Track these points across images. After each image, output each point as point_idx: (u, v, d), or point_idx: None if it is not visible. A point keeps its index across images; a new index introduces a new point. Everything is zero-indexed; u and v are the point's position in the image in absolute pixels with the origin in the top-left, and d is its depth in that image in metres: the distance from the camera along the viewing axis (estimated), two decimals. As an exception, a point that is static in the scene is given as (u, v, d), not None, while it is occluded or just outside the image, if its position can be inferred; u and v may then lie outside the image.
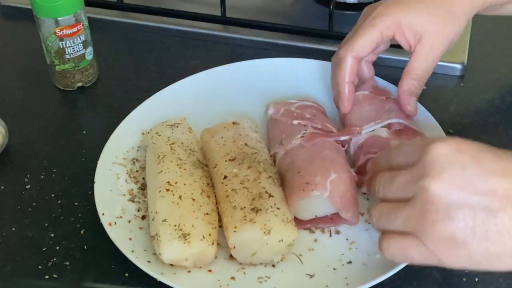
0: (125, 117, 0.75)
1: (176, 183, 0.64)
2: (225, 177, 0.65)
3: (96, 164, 0.69)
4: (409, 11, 0.67)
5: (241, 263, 0.62)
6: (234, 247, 0.61)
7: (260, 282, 0.61)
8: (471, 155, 0.50)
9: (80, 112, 0.84)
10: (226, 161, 0.67)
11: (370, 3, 0.93)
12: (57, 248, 0.65)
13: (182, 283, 0.59)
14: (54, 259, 0.64)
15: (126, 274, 0.62)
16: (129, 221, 0.65)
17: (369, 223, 0.65)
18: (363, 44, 0.69)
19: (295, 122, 0.72)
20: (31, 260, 0.64)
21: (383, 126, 0.70)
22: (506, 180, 0.49)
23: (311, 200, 0.63)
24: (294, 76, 0.81)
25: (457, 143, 0.51)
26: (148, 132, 0.73)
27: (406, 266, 0.59)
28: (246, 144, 0.69)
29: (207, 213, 0.63)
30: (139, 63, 0.89)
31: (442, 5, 0.68)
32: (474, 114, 0.79)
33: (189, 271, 0.61)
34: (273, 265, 0.62)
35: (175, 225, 0.60)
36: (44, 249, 0.65)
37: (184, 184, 0.64)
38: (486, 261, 0.50)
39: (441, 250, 0.50)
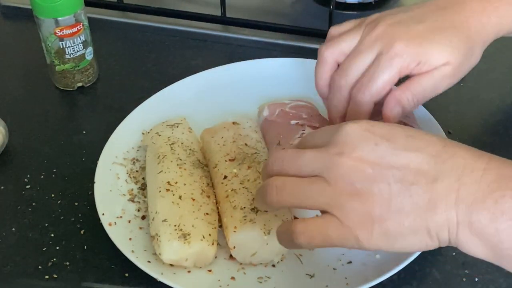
0: (125, 117, 0.75)
1: (176, 183, 0.64)
2: (225, 177, 0.65)
3: (96, 164, 0.69)
4: (431, 47, 0.62)
5: (241, 263, 0.62)
6: (234, 247, 0.61)
7: (260, 282, 0.61)
8: (382, 134, 0.51)
9: (80, 112, 0.84)
10: (226, 161, 0.67)
11: (370, 3, 0.94)
12: (57, 248, 0.65)
13: (182, 283, 0.59)
14: (54, 259, 0.64)
15: (126, 274, 0.62)
16: (129, 221, 0.65)
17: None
18: (382, 88, 0.63)
19: (293, 122, 0.72)
20: (31, 260, 0.64)
21: None
22: (417, 155, 0.50)
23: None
24: (294, 76, 0.81)
25: (368, 124, 0.52)
26: (148, 132, 0.73)
27: (407, 267, 0.59)
28: (246, 144, 0.69)
29: (207, 213, 0.63)
30: (139, 63, 0.89)
31: (465, 38, 0.63)
32: (474, 114, 0.79)
33: (189, 271, 0.61)
34: (273, 265, 0.62)
35: (175, 225, 0.60)
36: (44, 249, 0.65)
37: (184, 184, 0.64)
38: (401, 236, 0.50)
39: (358, 226, 0.50)
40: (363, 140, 0.51)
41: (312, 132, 0.57)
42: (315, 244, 0.53)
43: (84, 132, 0.78)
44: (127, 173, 0.70)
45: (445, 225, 0.49)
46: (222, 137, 0.70)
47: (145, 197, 0.68)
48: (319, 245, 0.53)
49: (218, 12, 0.92)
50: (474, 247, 0.49)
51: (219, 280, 0.61)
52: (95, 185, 0.67)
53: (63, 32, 0.79)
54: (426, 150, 0.50)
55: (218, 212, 0.65)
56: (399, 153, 0.50)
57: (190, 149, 0.69)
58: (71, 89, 0.84)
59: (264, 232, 0.60)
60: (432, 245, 0.50)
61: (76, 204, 0.69)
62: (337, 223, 0.51)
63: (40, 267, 0.64)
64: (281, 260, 0.62)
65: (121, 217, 0.65)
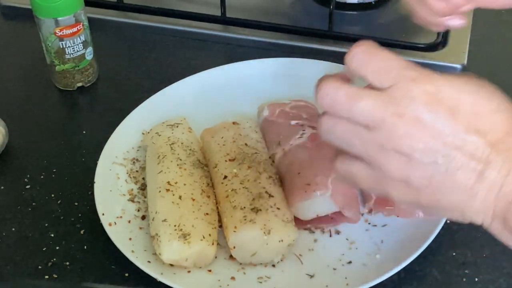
0: (125, 117, 0.75)
1: (176, 183, 0.64)
2: (225, 177, 0.65)
3: (96, 164, 0.69)
4: None
5: (241, 263, 0.62)
6: (234, 247, 0.61)
7: (260, 282, 0.61)
8: (449, 105, 0.49)
9: (80, 112, 0.84)
10: (226, 161, 0.67)
11: (370, 3, 0.94)
12: (57, 248, 0.65)
13: (182, 283, 0.59)
14: (54, 259, 0.64)
15: (126, 274, 0.63)
16: (129, 221, 0.65)
17: (369, 223, 0.65)
18: None
19: (293, 122, 0.71)
20: (31, 260, 0.64)
21: None
22: (476, 140, 0.48)
23: (313, 201, 0.63)
24: (294, 76, 0.81)
25: (437, 89, 0.49)
26: (148, 132, 0.73)
27: (407, 267, 0.59)
28: (246, 144, 0.69)
29: (207, 213, 0.63)
30: (139, 63, 0.89)
31: None
32: (474, 114, 0.79)
33: (189, 271, 0.61)
34: (273, 265, 0.62)
35: (175, 225, 0.60)
36: (44, 249, 0.65)
37: (184, 184, 0.64)
38: (433, 209, 0.50)
39: (393, 185, 0.50)
40: (428, 107, 0.49)
41: (373, 57, 0.51)
42: (343, 180, 0.54)
43: (84, 132, 0.78)
44: (127, 173, 0.70)
45: (480, 215, 0.49)
46: (222, 137, 0.70)
47: (145, 197, 0.68)
48: (345, 182, 0.54)
49: (218, 12, 0.92)
50: (506, 239, 0.49)
51: (219, 280, 0.61)
52: (95, 185, 0.67)
53: (63, 32, 0.79)
54: (486, 135, 0.49)
55: (218, 212, 0.65)
56: (459, 133, 0.48)
57: (190, 149, 0.69)
58: (71, 89, 0.84)
59: (264, 232, 0.60)
60: (461, 221, 0.50)
61: (76, 204, 0.69)
62: (371, 175, 0.51)
63: (40, 267, 0.64)
64: (281, 260, 0.62)
65: (121, 217, 0.65)
